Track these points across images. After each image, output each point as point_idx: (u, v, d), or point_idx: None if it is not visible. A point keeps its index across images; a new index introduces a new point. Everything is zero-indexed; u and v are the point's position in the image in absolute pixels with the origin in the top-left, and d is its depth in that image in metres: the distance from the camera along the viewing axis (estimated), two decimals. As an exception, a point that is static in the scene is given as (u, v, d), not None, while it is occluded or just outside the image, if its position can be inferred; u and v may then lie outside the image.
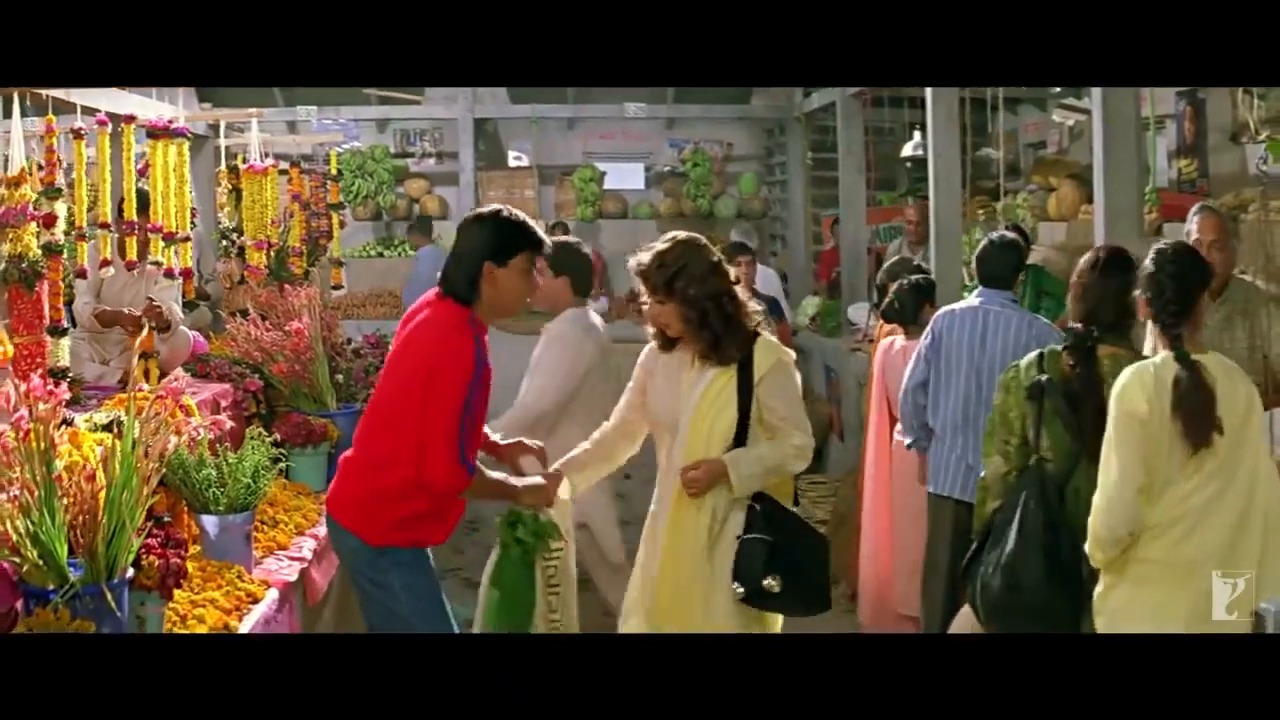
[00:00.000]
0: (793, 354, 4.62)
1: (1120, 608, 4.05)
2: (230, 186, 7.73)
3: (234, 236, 7.80)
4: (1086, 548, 4.10)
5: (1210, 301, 4.71)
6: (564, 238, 6.34)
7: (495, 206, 4.57)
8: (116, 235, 5.88)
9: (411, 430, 4.25)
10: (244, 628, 4.30)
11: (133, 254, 6.14)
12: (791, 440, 4.49)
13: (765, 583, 4.33)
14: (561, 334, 5.88)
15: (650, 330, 4.64)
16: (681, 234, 4.62)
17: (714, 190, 14.31)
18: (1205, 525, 3.91)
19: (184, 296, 6.55)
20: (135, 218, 6.11)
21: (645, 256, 4.49)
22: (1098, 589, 4.13)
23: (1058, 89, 10.93)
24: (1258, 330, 5.13)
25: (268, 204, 7.79)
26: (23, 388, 3.76)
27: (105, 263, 5.72)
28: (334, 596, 5.58)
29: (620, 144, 15.11)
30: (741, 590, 4.37)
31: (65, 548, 3.45)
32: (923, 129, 9.96)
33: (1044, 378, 4.50)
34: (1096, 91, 6.16)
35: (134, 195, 6.10)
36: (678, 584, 4.49)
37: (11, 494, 3.38)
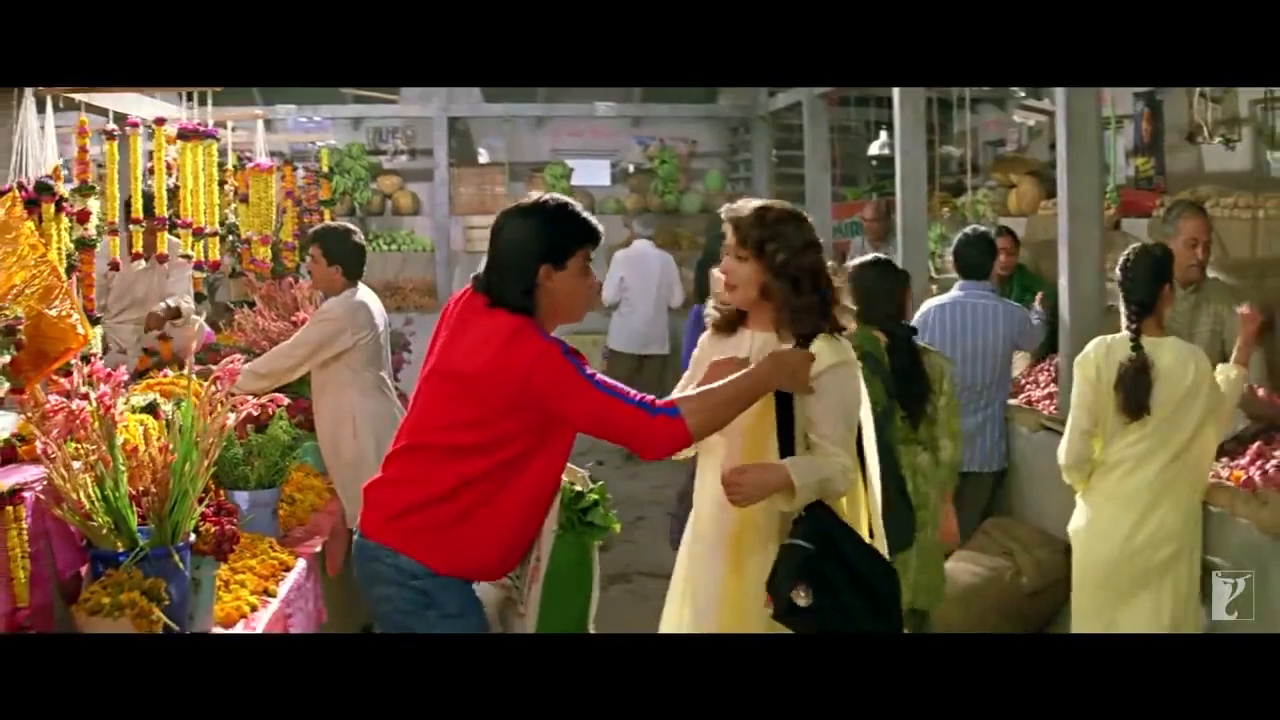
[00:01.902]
0: (859, 365, 3.88)
1: (1080, 526, 5.16)
2: (235, 184, 7.99)
3: (237, 232, 8.06)
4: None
5: (1182, 290, 5.44)
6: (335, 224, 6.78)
7: (539, 195, 3.76)
8: (144, 230, 6.12)
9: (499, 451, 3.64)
10: (281, 592, 4.62)
11: (163, 247, 6.40)
12: (838, 457, 3.74)
13: (794, 592, 3.62)
14: (322, 313, 6.25)
15: (710, 313, 3.99)
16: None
17: (680, 186, 14.59)
18: (1141, 470, 4.98)
19: (193, 288, 6.82)
20: (164, 214, 6.36)
21: (746, 206, 3.83)
22: (1074, 515, 5.18)
23: (1021, 90, 11.26)
24: (1220, 317, 5.73)
25: (272, 201, 8.09)
26: (85, 369, 4.10)
27: (136, 255, 5.98)
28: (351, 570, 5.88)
29: (588, 141, 15.30)
30: (770, 605, 3.67)
31: (135, 515, 3.76)
32: (889, 128, 10.31)
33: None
34: (1059, 92, 6.46)
35: (163, 193, 6.36)
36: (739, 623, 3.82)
37: (87, 464, 3.69)
